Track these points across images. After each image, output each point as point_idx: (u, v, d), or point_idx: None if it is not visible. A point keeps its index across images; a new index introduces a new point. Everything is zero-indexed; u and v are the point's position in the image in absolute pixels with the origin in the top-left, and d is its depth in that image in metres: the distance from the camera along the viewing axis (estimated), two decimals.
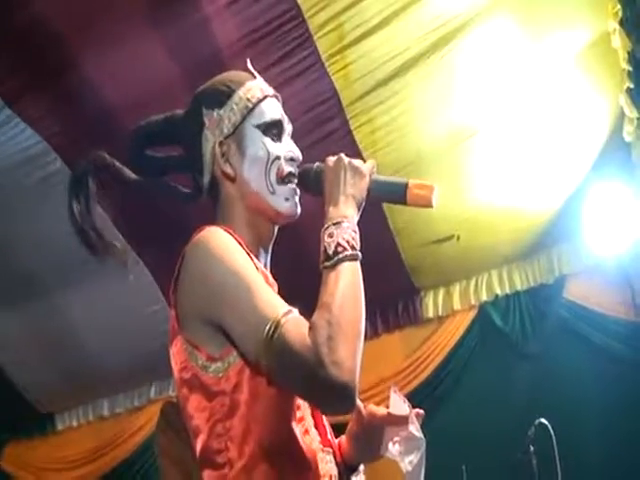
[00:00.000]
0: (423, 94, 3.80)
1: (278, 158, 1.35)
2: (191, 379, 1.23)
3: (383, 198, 1.39)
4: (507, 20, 3.53)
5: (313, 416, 1.32)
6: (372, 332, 4.90)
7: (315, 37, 3.55)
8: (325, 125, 3.85)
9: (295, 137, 1.42)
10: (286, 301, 1.20)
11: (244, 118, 1.36)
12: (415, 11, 3.45)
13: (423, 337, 4.85)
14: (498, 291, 4.65)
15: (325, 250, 1.21)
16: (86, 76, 3.62)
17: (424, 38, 3.58)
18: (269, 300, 1.17)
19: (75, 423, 5.78)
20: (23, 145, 3.94)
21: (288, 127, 1.40)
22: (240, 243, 1.26)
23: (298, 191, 1.37)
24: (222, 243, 1.23)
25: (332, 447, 1.34)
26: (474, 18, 3.51)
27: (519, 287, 4.61)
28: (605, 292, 4.32)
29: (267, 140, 1.36)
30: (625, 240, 3.99)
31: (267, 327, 1.12)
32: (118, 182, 1.41)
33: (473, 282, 4.73)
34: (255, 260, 1.28)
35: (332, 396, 1.12)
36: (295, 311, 1.17)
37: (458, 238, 4.40)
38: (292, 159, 1.37)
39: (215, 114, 1.36)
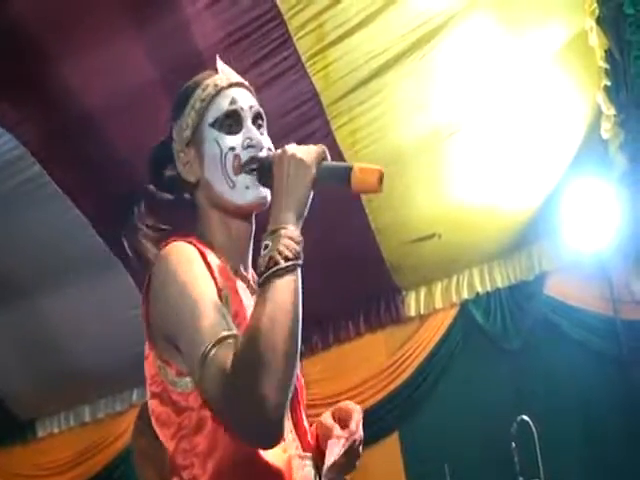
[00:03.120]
0: (403, 93, 3.81)
1: (232, 149, 1.30)
2: (161, 393, 1.22)
3: (329, 186, 1.25)
4: (486, 19, 3.55)
5: (294, 417, 1.30)
6: (355, 332, 4.92)
7: (295, 38, 3.54)
8: (306, 126, 3.84)
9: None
10: None
11: (201, 120, 1.32)
12: (395, 11, 3.46)
13: (406, 336, 4.87)
14: (479, 289, 4.68)
15: (259, 266, 1.14)
16: (64, 80, 3.58)
17: (404, 38, 3.59)
18: (212, 323, 1.12)
19: (56, 429, 5.72)
20: (0, 150, 3.89)
21: (249, 113, 1.33)
22: (203, 254, 1.23)
23: None
24: (179, 260, 1.20)
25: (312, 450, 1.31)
26: (453, 18, 3.53)
27: (500, 284, 4.64)
28: (585, 288, 4.36)
29: (221, 135, 1.31)
30: (604, 236, 4.03)
31: (202, 351, 1.09)
32: (164, 206, 1.39)
33: (454, 280, 4.76)
34: (216, 271, 1.23)
35: (250, 433, 1.09)
36: (233, 334, 1.11)
37: (439, 237, 4.42)
38: (250, 146, 1.30)
39: (177, 124, 1.35)
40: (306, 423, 1.33)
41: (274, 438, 1.09)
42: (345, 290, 4.58)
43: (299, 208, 1.19)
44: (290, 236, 1.14)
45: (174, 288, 1.17)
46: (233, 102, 1.32)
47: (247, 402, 1.05)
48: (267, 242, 1.14)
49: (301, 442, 1.28)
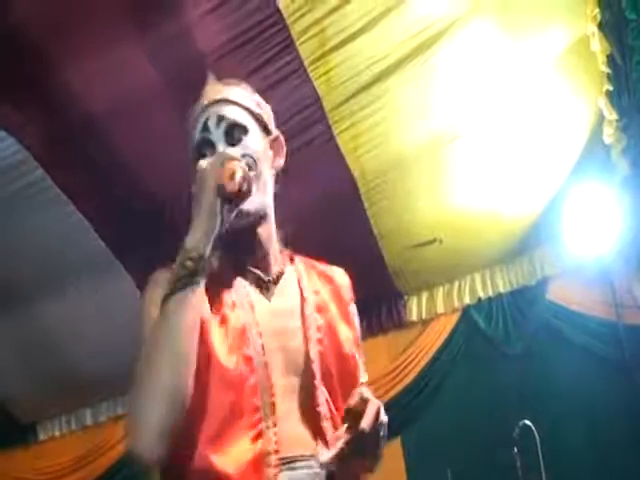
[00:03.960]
0: (405, 99, 3.81)
1: None
2: None
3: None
4: (487, 25, 3.55)
5: (309, 403, 1.26)
6: None
7: (297, 42, 3.54)
8: (308, 130, 3.84)
9: None
10: None
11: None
12: (396, 16, 3.46)
13: (408, 341, 4.87)
14: (481, 294, 4.68)
15: None
16: (66, 84, 3.58)
17: (405, 43, 3.59)
18: None
19: (57, 433, 5.71)
20: (2, 154, 3.89)
21: (221, 130, 1.29)
22: None
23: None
24: (152, 289, 1.26)
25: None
26: (455, 23, 3.53)
27: (502, 289, 4.65)
28: (587, 293, 4.36)
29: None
30: (606, 241, 4.03)
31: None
32: None
33: (456, 285, 4.76)
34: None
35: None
36: None
37: (441, 242, 4.42)
38: None
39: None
40: (322, 408, 1.27)
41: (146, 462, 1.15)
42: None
43: (203, 219, 1.17)
44: (188, 257, 1.14)
45: (142, 324, 1.24)
46: (203, 129, 1.30)
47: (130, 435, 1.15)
48: (172, 267, 1.17)
49: (313, 433, 1.24)
